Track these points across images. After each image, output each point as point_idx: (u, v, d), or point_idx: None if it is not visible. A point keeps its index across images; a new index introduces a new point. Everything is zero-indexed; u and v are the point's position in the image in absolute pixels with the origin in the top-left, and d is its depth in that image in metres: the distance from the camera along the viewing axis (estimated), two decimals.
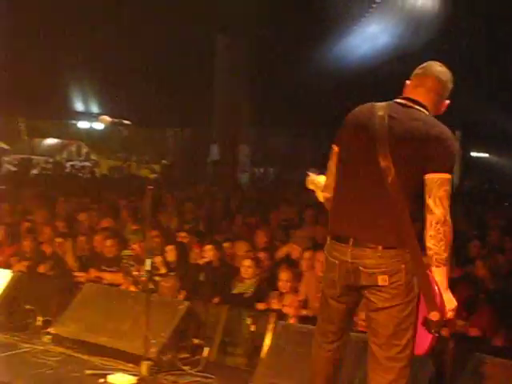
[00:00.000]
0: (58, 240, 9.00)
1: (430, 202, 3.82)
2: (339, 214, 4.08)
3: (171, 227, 10.55)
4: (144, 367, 5.72)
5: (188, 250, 8.76)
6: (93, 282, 7.84)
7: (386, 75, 16.57)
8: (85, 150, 36.76)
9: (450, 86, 4.13)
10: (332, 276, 4.09)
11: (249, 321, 6.69)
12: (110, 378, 5.75)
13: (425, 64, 4.14)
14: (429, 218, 3.83)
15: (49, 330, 6.79)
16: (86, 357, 6.30)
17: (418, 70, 4.14)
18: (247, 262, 7.68)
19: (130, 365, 6.03)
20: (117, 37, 20.66)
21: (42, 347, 6.56)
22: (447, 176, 3.85)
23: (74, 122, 32.44)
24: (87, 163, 34.64)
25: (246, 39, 22.10)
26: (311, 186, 4.52)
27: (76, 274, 8.43)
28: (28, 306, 7.18)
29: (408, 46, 18.16)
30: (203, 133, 26.19)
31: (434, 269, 3.84)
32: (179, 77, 22.17)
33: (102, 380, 5.75)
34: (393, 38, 19.74)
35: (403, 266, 3.87)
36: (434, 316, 3.80)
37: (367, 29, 20.06)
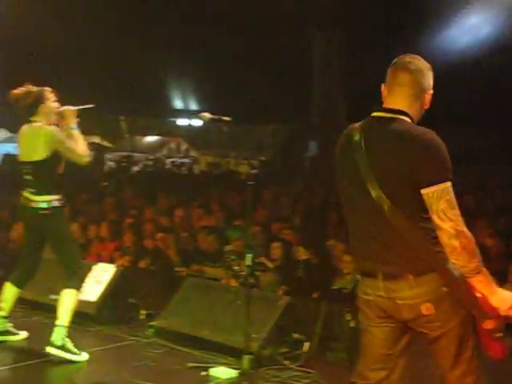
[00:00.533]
0: (160, 235, 9.16)
1: (434, 218, 3.51)
2: (358, 252, 3.84)
3: (270, 223, 10.57)
4: (245, 361, 5.77)
5: (292, 247, 8.77)
6: (194, 276, 7.96)
7: (488, 67, 16.16)
8: (184, 146, 37.35)
9: (428, 74, 3.74)
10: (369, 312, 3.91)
11: (348, 316, 6.65)
12: (211, 371, 5.82)
13: (394, 60, 3.79)
14: (440, 235, 3.52)
15: (152, 323, 6.93)
16: (187, 350, 6.41)
17: (388, 70, 3.80)
18: (347, 258, 7.63)
19: (231, 358, 6.10)
20: (215, 35, 20.86)
21: (145, 340, 6.72)
22: (444, 186, 3.50)
23: (173, 119, 32.95)
24: (186, 160, 35.16)
25: (344, 34, 21.96)
26: None
27: (178, 268, 8.57)
28: (131, 300, 7.36)
29: (510, 37, 17.68)
30: (301, 129, 26.17)
31: (469, 280, 3.56)
32: (277, 73, 22.22)
33: (203, 373, 5.83)
34: (494, 29, 19.23)
35: (442, 288, 3.59)
36: (489, 324, 3.59)
37: (468, 20, 19.61)
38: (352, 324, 6.59)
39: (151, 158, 32.94)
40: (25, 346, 6.53)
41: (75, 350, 6.09)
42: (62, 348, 6.02)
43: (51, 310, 7.33)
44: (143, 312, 7.27)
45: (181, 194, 13.95)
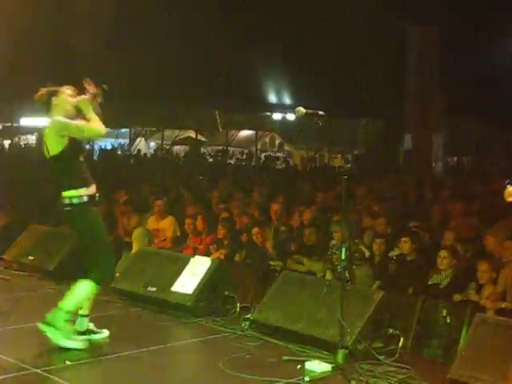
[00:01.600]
0: (256, 229, 9.21)
1: None
2: None
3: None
4: (340, 355, 5.77)
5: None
6: (289, 270, 8.00)
7: None
8: (278, 141, 37.49)
9: None
10: None
11: (444, 312, 6.56)
12: (306, 364, 5.83)
13: None
14: None
15: (247, 316, 7.00)
16: (282, 343, 6.44)
17: None
18: (443, 253, 7.54)
19: (326, 352, 6.10)
20: (309, 31, 20.85)
21: (240, 332, 6.78)
22: None
23: (268, 113, 33.12)
24: (281, 154, 35.29)
25: (437, 27, 21.61)
26: (510, 198, 4.32)
27: (273, 262, 8.61)
28: (227, 293, 7.44)
29: None
30: (395, 122, 25.87)
31: None
32: (371, 67, 22.03)
33: (298, 366, 5.84)
34: None
35: None
36: None
37: None
38: (448, 320, 6.50)
39: (246, 151, 33.19)
40: (121, 336, 6.70)
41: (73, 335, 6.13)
42: (54, 327, 6.05)
43: (149, 302, 7.54)
44: (239, 305, 7.33)
45: (275, 188, 14.00)
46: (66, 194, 6.08)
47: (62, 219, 6.18)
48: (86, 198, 6.10)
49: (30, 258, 9.26)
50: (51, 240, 9.43)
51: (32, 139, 36.71)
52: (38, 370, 5.60)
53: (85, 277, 6.23)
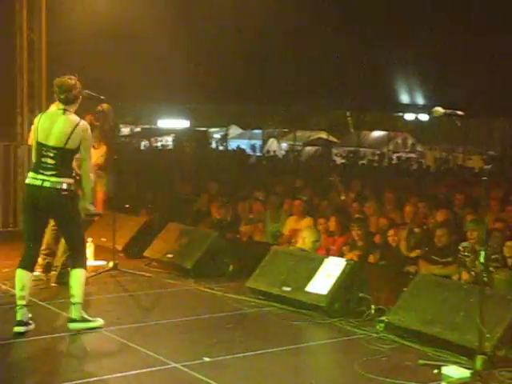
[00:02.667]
0: (391, 231, 9.12)
1: None
2: None
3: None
4: (479, 362, 5.63)
5: None
6: (423, 272, 7.88)
7: None
8: (410, 141, 36.95)
9: None
10: None
11: None
12: (444, 369, 5.73)
13: None
14: None
15: (382, 318, 6.95)
16: (418, 346, 6.36)
17: None
18: None
19: (463, 358, 5.97)
20: (440, 29, 20.45)
21: (375, 335, 6.74)
22: None
23: (400, 114, 32.70)
24: (413, 155, 34.77)
25: None
26: None
27: (408, 267, 8.50)
28: (362, 294, 7.41)
29: None
30: None
31: None
32: (507, 62, 21.32)
33: (435, 371, 5.75)
34: None
35: None
36: None
37: None
38: None
39: (377, 152, 32.89)
40: (256, 335, 6.80)
41: (90, 317, 6.74)
42: (83, 320, 6.64)
43: (283, 302, 7.62)
44: (373, 307, 7.29)
45: (408, 189, 13.81)
46: (65, 180, 6.58)
47: (52, 203, 6.58)
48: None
49: (169, 255, 9.54)
50: (189, 238, 9.68)
51: (168, 140, 37.78)
52: (178, 365, 5.77)
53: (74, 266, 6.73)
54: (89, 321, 6.72)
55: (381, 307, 7.28)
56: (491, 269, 7.49)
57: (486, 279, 6.21)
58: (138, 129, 37.66)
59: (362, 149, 34.16)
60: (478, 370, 5.62)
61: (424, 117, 30.12)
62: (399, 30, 20.95)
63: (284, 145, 39.83)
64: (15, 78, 11.84)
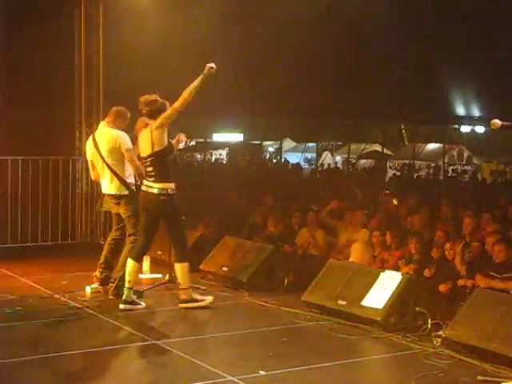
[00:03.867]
0: (448, 245, 9.01)
1: None
2: None
3: None
4: None
5: None
6: (479, 287, 7.77)
7: None
8: (466, 154, 36.50)
9: None
10: None
11: None
12: None
13: None
14: None
15: (439, 333, 6.88)
16: (476, 362, 6.27)
17: None
18: None
19: None
20: (498, 39, 20.19)
21: (432, 349, 6.67)
22: None
23: (455, 126, 32.35)
24: (469, 167, 34.34)
25: None
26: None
27: (460, 280, 8.37)
28: (418, 309, 7.34)
29: None
30: None
31: None
32: None
33: None
34: None
35: None
36: None
37: None
38: None
39: (433, 165, 32.57)
40: (312, 348, 6.79)
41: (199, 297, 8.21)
42: (192, 300, 8.10)
43: (339, 315, 7.59)
44: (430, 321, 7.21)
45: (465, 202, 13.64)
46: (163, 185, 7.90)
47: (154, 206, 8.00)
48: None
49: (225, 269, 9.59)
50: (245, 252, 9.72)
51: (222, 154, 38.00)
52: (234, 378, 5.80)
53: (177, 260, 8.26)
54: (197, 300, 8.10)
55: (437, 322, 7.20)
56: None
57: None
58: (193, 142, 37.95)
59: (417, 161, 33.85)
60: None
61: (480, 129, 29.77)
62: (456, 43, 20.79)
63: (338, 158, 39.70)
64: (73, 93, 12.06)
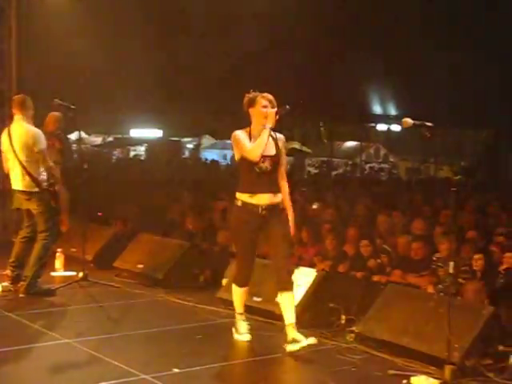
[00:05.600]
0: (365, 241, 9.13)
1: None
2: None
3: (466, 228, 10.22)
4: (447, 371, 5.66)
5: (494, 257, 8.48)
6: (394, 282, 7.90)
7: None
8: (383, 152, 37.16)
9: None
10: None
11: None
12: (413, 379, 5.75)
13: None
14: None
15: (352, 328, 6.96)
16: (388, 357, 6.37)
17: None
18: None
19: (432, 368, 5.99)
20: (411, 40, 20.64)
21: (345, 345, 6.74)
22: None
23: (372, 124, 32.89)
24: (385, 165, 34.96)
25: None
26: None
27: (375, 276, 8.50)
28: (332, 305, 7.41)
29: None
30: (506, 133, 25.21)
31: None
32: (475, 75, 21.56)
33: (404, 381, 5.77)
34: None
35: None
36: None
37: None
38: None
39: (350, 163, 33.03)
40: (218, 345, 6.79)
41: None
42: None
43: (254, 312, 7.60)
44: (343, 317, 7.29)
45: (379, 200, 13.87)
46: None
47: None
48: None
49: (140, 266, 9.49)
50: (161, 249, 9.65)
51: (141, 150, 37.63)
52: (147, 377, 5.74)
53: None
54: None
55: (351, 317, 7.28)
56: (461, 280, 7.53)
57: (455, 289, 6.28)
58: (111, 138, 37.46)
59: (334, 159, 34.25)
60: (446, 380, 5.65)
61: (396, 127, 30.33)
62: (372, 44, 21.14)
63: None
64: None
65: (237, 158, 6.62)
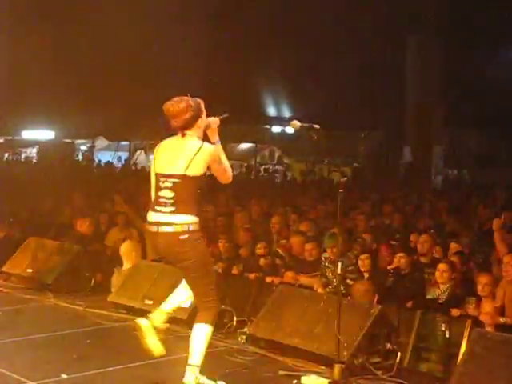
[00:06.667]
0: (261, 243, 9.16)
1: None
2: None
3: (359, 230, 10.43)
4: (336, 370, 5.74)
5: (377, 255, 8.68)
6: (286, 283, 7.96)
7: None
8: (277, 153, 37.43)
9: None
10: None
11: (443, 326, 6.53)
12: (303, 379, 5.82)
13: None
14: None
15: (243, 330, 6.98)
16: (279, 357, 6.42)
17: None
18: (443, 266, 7.48)
19: (322, 367, 6.09)
20: (305, 42, 20.91)
21: (237, 346, 6.76)
22: None
23: (266, 126, 33.11)
24: (280, 167, 35.24)
25: (438, 39, 21.65)
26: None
27: (268, 277, 8.54)
28: (224, 307, 7.39)
29: None
30: (395, 134, 25.87)
31: None
32: (369, 78, 22.06)
33: (295, 381, 5.84)
34: None
35: None
36: None
37: None
38: (447, 335, 6.47)
39: (245, 165, 33.13)
40: (116, 350, 6.68)
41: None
42: None
43: (146, 315, 7.49)
44: (235, 318, 7.29)
45: (274, 201, 13.97)
46: (183, 219, 5.45)
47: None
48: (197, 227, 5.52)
49: (29, 270, 9.26)
50: (51, 253, 9.44)
51: (33, 152, 36.68)
52: (34, 383, 5.59)
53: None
54: None
55: (243, 319, 7.30)
56: (348, 281, 7.65)
57: (343, 289, 6.38)
58: (1, 140, 36.37)
59: (229, 161, 34.27)
60: (335, 379, 5.73)
61: (291, 129, 30.59)
62: (266, 43, 21.32)
63: (152, 156, 39.45)
64: None
65: (202, 172, 5.52)
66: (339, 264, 5.88)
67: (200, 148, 5.52)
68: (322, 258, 8.49)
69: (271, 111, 28.08)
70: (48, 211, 12.73)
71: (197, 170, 5.45)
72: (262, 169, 32.99)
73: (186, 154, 5.49)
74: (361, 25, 20.05)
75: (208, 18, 19.81)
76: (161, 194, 5.47)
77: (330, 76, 22.40)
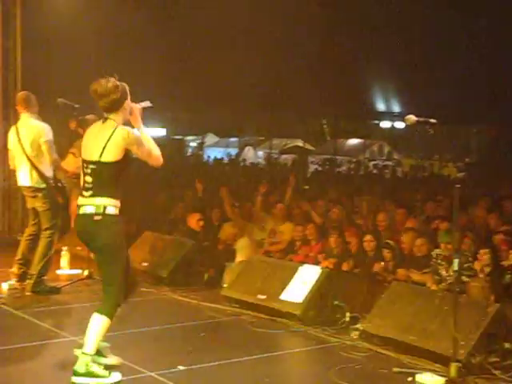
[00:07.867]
0: (368, 237, 9.11)
1: None
2: None
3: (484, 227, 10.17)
4: (453, 369, 5.64)
5: (500, 252, 8.45)
6: (399, 280, 7.90)
7: None
8: (387, 149, 37.09)
9: None
10: None
11: None
12: (417, 377, 5.75)
13: None
14: None
15: (356, 326, 6.96)
16: (393, 354, 6.37)
17: None
18: None
19: (438, 365, 6.00)
20: (414, 36, 20.60)
21: (350, 342, 6.74)
22: None
23: (376, 122, 32.82)
24: (389, 162, 34.85)
25: None
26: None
27: (382, 274, 8.49)
28: (337, 302, 7.40)
29: None
30: (509, 129, 25.14)
31: None
32: (486, 72, 21.48)
33: (409, 379, 5.77)
34: None
35: None
36: None
37: None
38: None
39: (354, 160, 32.94)
40: (230, 343, 6.78)
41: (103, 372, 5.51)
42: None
43: (258, 310, 7.60)
44: (348, 314, 7.28)
45: (383, 197, 13.81)
46: (99, 201, 5.54)
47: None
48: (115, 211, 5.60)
49: (145, 264, 9.49)
50: (165, 247, 9.65)
51: None
52: (153, 374, 5.76)
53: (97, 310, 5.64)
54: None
55: (356, 315, 7.28)
56: (464, 278, 7.50)
57: (460, 287, 6.26)
58: None
59: (338, 157, 34.19)
60: (452, 378, 5.64)
61: (400, 124, 30.25)
62: (375, 41, 21.12)
63: (260, 153, 39.79)
64: None
65: (120, 157, 5.48)
66: (456, 261, 5.77)
67: (113, 132, 5.51)
68: (433, 255, 8.37)
69: (380, 106, 27.79)
70: (161, 206, 13.01)
71: (111, 155, 5.48)
72: (371, 164, 32.68)
73: (101, 140, 5.54)
74: (475, 20, 19.58)
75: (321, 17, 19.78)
76: (85, 179, 5.63)
77: (440, 70, 21.95)
